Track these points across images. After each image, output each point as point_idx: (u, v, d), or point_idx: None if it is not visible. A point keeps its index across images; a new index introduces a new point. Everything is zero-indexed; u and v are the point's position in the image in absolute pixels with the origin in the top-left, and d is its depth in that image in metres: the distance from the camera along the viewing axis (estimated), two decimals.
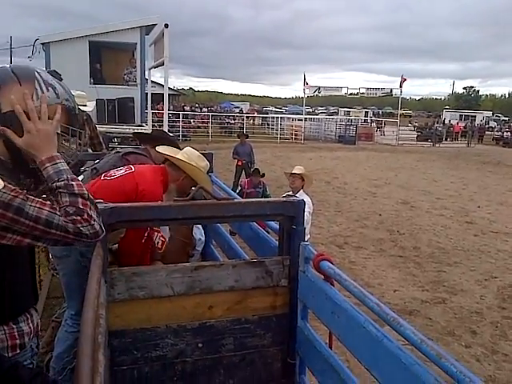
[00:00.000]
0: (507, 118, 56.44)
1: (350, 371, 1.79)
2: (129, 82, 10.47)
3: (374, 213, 9.68)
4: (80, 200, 1.30)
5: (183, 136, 23.89)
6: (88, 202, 1.31)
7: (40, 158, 1.33)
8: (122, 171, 2.53)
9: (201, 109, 38.56)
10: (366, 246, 7.45)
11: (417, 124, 40.55)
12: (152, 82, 10.85)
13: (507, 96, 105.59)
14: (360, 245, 7.48)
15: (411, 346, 1.31)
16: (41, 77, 1.40)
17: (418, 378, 1.28)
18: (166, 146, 2.79)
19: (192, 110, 34.88)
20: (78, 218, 1.28)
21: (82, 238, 1.29)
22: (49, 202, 1.27)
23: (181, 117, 25.88)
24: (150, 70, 9.89)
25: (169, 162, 2.70)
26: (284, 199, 2.22)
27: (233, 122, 30.71)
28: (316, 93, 31.80)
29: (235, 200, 2.09)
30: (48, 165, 1.33)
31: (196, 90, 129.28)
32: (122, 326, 1.91)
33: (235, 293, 2.10)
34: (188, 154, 2.68)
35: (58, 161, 1.34)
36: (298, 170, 5.26)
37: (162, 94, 7.57)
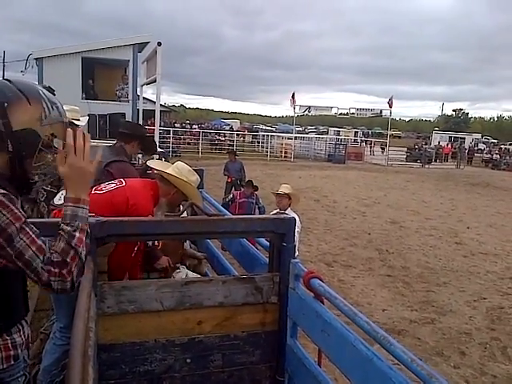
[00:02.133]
0: (496, 141, 57.27)
1: None
2: (121, 97, 10.51)
3: (363, 232, 9.70)
4: (71, 253, 1.29)
5: (173, 152, 23.88)
6: (77, 258, 1.30)
7: (69, 194, 1.35)
8: (112, 185, 2.52)
9: (191, 125, 38.65)
10: (354, 264, 7.45)
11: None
12: (144, 98, 10.90)
13: (496, 119, 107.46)
14: (349, 263, 7.48)
15: (400, 365, 1.32)
16: (45, 95, 1.42)
17: None
18: (157, 161, 2.80)
19: (182, 127, 34.97)
20: (56, 270, 1.26)
21: (48, 289, 1.29)
22: (40, 242, 1.27)
23: (171, 133, 25.94)
24: (141, 86, 9.95)
25: (159, 176, 2.69)
26: (275, 216, 2.23)
27: (223, 139, 30.84)
28: (306, 112, 32.05)
29: (226, 216, 2.10)
30: (70, 205, 1.34)
31: (187, 107, 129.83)
32: (111, 339, 1.90)
33: (225, 309, 2.09)
34: (179, 169, 2.68)
35: (81, 205, 1.35)
36: (284, 189, 5.27)
37: (154, 110, 7.59)
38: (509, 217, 12.82)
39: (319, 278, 1.90)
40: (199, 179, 2.84)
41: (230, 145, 28.02)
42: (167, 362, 2.04)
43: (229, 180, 10.76)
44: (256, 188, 7.97)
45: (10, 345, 1.43)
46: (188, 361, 2.07)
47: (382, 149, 34.21)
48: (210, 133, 32.10)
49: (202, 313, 2.06)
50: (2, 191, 1.26)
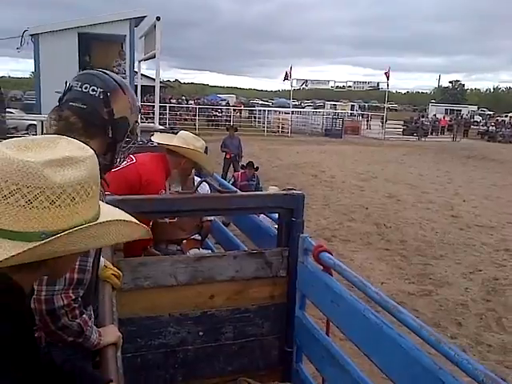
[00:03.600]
0: (492, 113, 57.12)
1: (349, 357, 1.87)
2: (118, 73, 10.39)
3: (361, 206, 9.79)
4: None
5: (171, 128, 23.68)
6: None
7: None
8: (123, 162, 2.56)
9: (187, 101, 38.31)
10: (353, 239, 7.55)
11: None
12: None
13: (492, 90, 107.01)
14: (347, 238, 7.59)
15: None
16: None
17: (417, 362, 1.36)
18: (160, 134, 2.83)
19: (178, 103, 34.69)
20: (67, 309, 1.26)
21: (44, 316, 1.26)
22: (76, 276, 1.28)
23: (168, 109, 25.75)
24: (139, 62, 9.85)
25: (166, 149, 2.71)
26: (284, 192, 2.28)
27: (219, 114, 30.64)
28: (303, 86, 31.85)
29: (238, 193, 2.15)
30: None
31: (182, 81, 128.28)
32: (128, 314, 1.97)
33: (236, 283, 2.17)
34: (184, 138, 2.71)
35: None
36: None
37: (150, 86, 7.55)
38: (504, 189, 12.94)
39: (328, 252, 1.97)
40: (204, 144, 2.86)
41: (226, 120, 27.89)
42: (181, 335, 2.12)
43: (227, 156, 10.77)
44: (257, 169, 8.01)
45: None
46: (200, 333, 2.16)
47: (382, 123, 34.19)
48: (207, 108, 31.89)
49: (214, 287, 2.13)
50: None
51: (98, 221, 0.83)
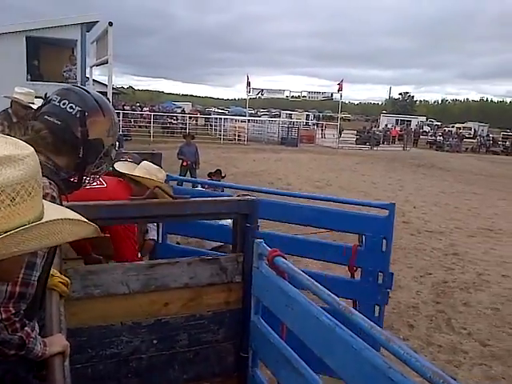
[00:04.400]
0: (440, 123, 59.62)
1: (303, 360, 1.88)
2: (68, 79, 10.14)
3: None
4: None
5: (124, 136, 23.33)
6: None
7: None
8: (94, 184, 2.49)
9: (142, 108, 37.80)
10: None
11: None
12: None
13: (440, 102, 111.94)
14: None
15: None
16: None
17: (368, 362, 1.38)
18: (121, 163, 2.78)
19: (133, 110, 34.16)
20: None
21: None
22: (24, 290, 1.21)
23: (121, 116, 25.30)
24: (91, 67, 9.65)
25: (128, 178, 2.69)
26: (239, 198, 2.29)
27: (175, 122, 30.41)
28: (259, 95, 32.12)
29: (191, 199, 2.14)
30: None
31: (136, 88, 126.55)
32: (77, 324, 1.91)
33: (190, 290, 2.14)
34: (147, 169, 2.70)
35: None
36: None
37: (102, 92, 7.39)
38: (452, 196, 13.48)
39: (283, 257, 1.98)
40: (165, 175, 2.86)
41: (182, 128, 27.72)
42: (134, 343, 2.08)
43: (184, 164, 10.68)
44: (223, 176, 7.99)
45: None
46: (155, 342, 2.12)
47: (340, 132, 35.10)
48: (162, 116, 31.57)
49: (168, 294, 2.10)
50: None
51: (41, 221, 0.81)
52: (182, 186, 6.37)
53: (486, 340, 4.70)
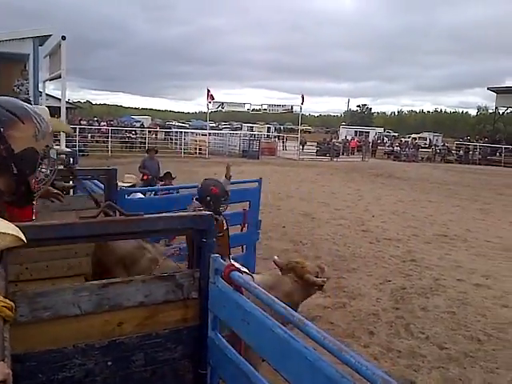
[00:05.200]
0: (397, 134, 61.45)
1: (261, 375, 1.88)
2: (19, 94, 9.86)
3: (278, 225, 10.00)
4: None
5: (80, 151, 22.86)
6: None
7: None
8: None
9: (99, 123, 37.18)
10: (271, 256, 7.64)
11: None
12: (46, 94, 10.35)
13: (396, 113, 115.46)
14: (265, 256, 7.68)
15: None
16: (31, 109, 1.40)
17: (321, 373, 1.39)
18: None
19: (89, 124, 33.55)
20: None
21: None
22: None
23: (77, 131, 24.79)
24: (44, 82, 9.43)
25: None
26: (194, 213, 2.27)
27: (134, 136, 30.07)
28: (219, 108, 32.21)
29: (145, 216, 2.10)
30: None
31: (93, 103, 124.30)
32: (26, 349, 1.83)
33: (145, 308, 2.10)
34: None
35: None
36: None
37: (57, 107, 7.25)
38: (409, 204, 13.87)
39: (239, 271, 1.98)
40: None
41: (141, 142, 27.44)
42: (87, 366, 2.01)
43: (144, 177, 10.56)
44: (174, 178, 7.98)
45: None
46: (109, 363, 2.05)
47: (303, 144, 35.72)
48: (120, 130, 31.16)
49: (122, 314, 2.05)
50: None
51: None
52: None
53: (443, 343, 4.83)
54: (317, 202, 13.34)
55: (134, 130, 32.44)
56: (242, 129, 47.53)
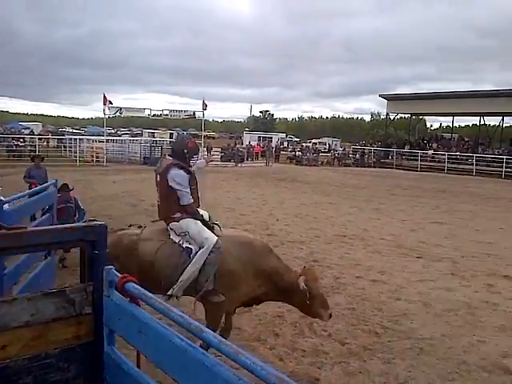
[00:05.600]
0: (298, 139, 63.88)
1: None
2: None
3: None
4: None
5: None
6: None
7: None
8: None
9: None
10: None
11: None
12: None
13: (297, 119, 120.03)
14: None
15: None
16: None
17: (219, 377, 1.38)
18: None
19: None
20: None
21: None
22: None
23: None
24: None
25: None
26: (84, 224, 2.15)
27: (22, 144, 28.10)
28: (118, 113, 31.18)
29: (29, 228, 1.95)
30: None
31: None
32: None
33: (32, 328, 1.95)
34: None
35: None
36: None
37: None
38: (311, 207, 14.41)
39: (134, 282, 1.91)
40: None
41: (31, 150, 25.64)
42: None
43: (32, 186, 9.85)
44: (71, 189, 7.57)
45: None
46: None
47: (209, 150, 35.80)
48: (7, 138, 29.00)
49: (6, 336, 1.88)
50: None
51: None
52: None
53: (345, 339, 5.05)
54: (222, 208, 13.36)
55: (23, 138, 30.29)
56: (142, 135, 46.46)
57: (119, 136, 45.19)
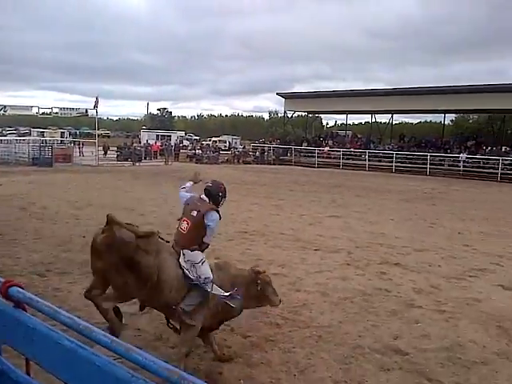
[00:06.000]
0: (198, 137, 63.56)
1: None
2: None
3: (77, 235, 9.40)
4: None
5: None
6: None
7: None
8: None
9: None
10: (70, 270, 7.17)
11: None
12: None
13: (196, 117, 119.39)
14: (65, 270, 7.16)
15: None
16: None
17: (112, 375, 1.36)
18: None
19: None
20: None
21: None
22: None
23: None
24: None
25: None
26: None
27: None
28: (2, 112, 28.77)
29: None
30: None
31: None
32: None
33: None
34: None
35: None
36: None
37: None
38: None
39: (19, 286, 1.81)
40: None
41: None
42: None
43: None
44: None
45: None
46: None
47: (106, 150, 34.39)
48: None
49: None
50: None
51: None
52: None
53: (247, 332, 5.17)
54: (121, 208, 12.92)
55: None
56: (31, 134, 43.37)
57: (5, 136, 41.70)
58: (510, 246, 9.69)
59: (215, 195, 4.77)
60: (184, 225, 4.68)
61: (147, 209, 13.19)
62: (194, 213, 4.64)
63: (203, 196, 4.82)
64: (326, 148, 37.29)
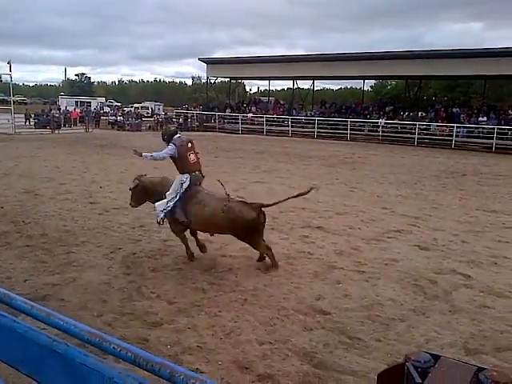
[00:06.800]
0: (120, 104, 61.08)
1: None
2: None
3: None
4: None
5: None
6: None
7: None
8: None
9: None
10: None
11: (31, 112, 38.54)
12: None
13: (117, 83, 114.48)
14: None
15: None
16: None
17: (33, 342, 1.39)
18: None
19: None
20: None
21: None
22: None
23: None
24: None
25: None
26: None
27: None
28: None
29: None
30: None
31: None
32: None
33: None
34: None
35: None
36: None
37: None
38: (134, 172, 14.11)
39: None
40: None
41: None
42: None
43: None
44: None
45: None
46: None
47: (28, 117, 32.17)
48: None
49: None
50: None
51: None
52: None
53: (173, 298, 5.22)
54: (39, 178, 12.37)
55: None
56: None
57: None
58: (425, 208, 10.35)
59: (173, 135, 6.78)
60: (193, 156, 6.50)
61: (67, 177, 12.72)
62: (190, 144, 6.58)
63: (179, 135, 6.74)
64: (250, 114, 37.21)
